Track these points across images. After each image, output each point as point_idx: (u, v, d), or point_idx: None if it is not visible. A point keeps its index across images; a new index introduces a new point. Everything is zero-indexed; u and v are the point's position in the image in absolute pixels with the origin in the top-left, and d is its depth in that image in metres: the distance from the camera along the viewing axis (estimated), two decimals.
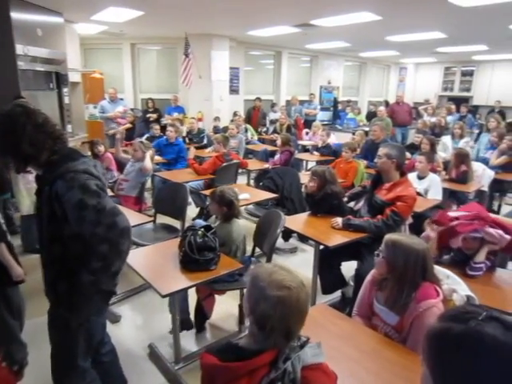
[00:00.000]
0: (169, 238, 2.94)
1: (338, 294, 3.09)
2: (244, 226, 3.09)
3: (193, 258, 2.17)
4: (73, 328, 1.57)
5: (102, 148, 4.69)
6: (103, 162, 4.66)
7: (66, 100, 5.56)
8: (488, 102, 11.27)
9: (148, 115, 7.87)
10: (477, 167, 4.66)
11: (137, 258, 2.42)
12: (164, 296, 1.97)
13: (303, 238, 3.94)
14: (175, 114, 7.96)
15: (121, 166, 4.74)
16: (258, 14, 5.97)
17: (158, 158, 5.45)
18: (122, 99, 7.68)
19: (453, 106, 9.41)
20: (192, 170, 4.55)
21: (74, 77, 6.29)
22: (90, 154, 4.97)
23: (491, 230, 2.17)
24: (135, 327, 2.90)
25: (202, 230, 2.32)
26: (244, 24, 6.86)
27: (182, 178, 4.40)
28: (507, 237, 2.16)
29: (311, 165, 5.88)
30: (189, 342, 2.67)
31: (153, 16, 6.08)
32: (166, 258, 2.37)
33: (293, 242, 4.09)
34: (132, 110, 8.11)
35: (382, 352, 1.53)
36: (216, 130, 7.27)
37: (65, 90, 5.53)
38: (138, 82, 9.09)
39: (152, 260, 2.44)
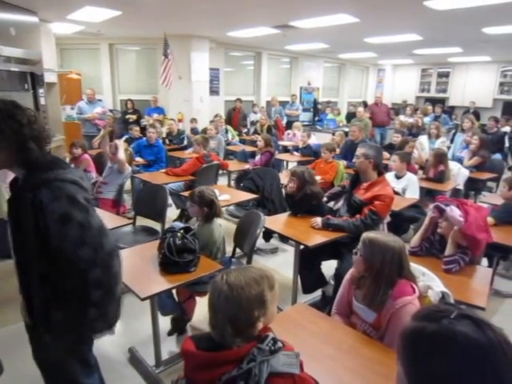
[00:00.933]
0: (149, 241, 2.91)
1: (318, 293, 3.12)
2: (224, 227, 3.08)
3: (172, 260, 2.15)
4: (66, 353, 1.48)
5: (78, 150, 4.59)
6: (81, 163, 4.58)
7: (42, 101, 5.43)
8: (463, 102, 11.57)
9: (127, 116, 7.79)
10: (452, 166, 4.78)
11: None
12: (143, 299, 1.95)
13: (284, 239, 3.96)
14: (155, 115, 7.89)
15: (100, 167, 4.67)
16: (237, 15, 5.98)
17: (138, 160, 5.40)
18: (100, 100, 7.57)
19: (430, 107, 9.65)
20: (172, 174, 4.53)
21: (50, 77, 6.16)
22: (67, 156, 4.89)
23: (453, 207, 2.28)
24: (116, 331, 2.85)
25: (182, 231, 2.30)
26: (223, 25, 6.86)
27: (161, 179, 4.37)
28: (461, 219, 2.28)
29: (292, 165, 5.91)
30: (170, 345, 2.65)
31: (131, 16, 6.01)
32: (146, 260, 2.35)
33: (274, 242, 4.10)
34: (111, 111, 7.99)
35: (359, 349, 1.55)
36: (194, 131, 7.23)
37: (40, 90, 5.40)
38: (116, 82, 8.97)
39: (131, 263, 2.40)
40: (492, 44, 7.70)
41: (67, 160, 4.82)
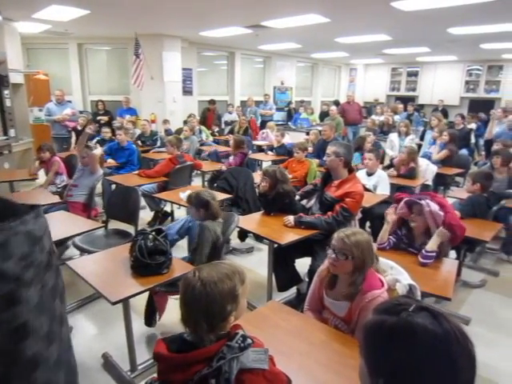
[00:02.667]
0: (122, 244, 2.86)
1: (293, 290, 3.15)
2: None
3: (144, 263, 2.13)
4: None
5: (46, 154, 4.46)
6: (52, 166, 4.45)
7: (8, 103, 5.26)
8: (432, 101, 11.91)
9: (98, 118, 7.63)
10: (421, 162, 4.91)
11: (86, 265, 2.36)
12: (114, 303, 1.91)
13: (259, 238, 3.98)
14: (127, 117, 7.77)
15: (71, 170, 4.57)
16: (208, 15, 5.96)
17: (110, 162, 5.31)
18: (69, 101, 7.39)
19: (400, 106, 9.88)
20: (144, 176, 4.48)
21: (15, 78, 5.97)
22: (36, 159, 4.75)
23: (430, 202, 2.34)
24: (88, 337, 2.79)
25: (153, 233, 2.28)
26: (195, 25, 6.82)
27: (134, 181, 4.31)
28: (441, 213, 2.34)
29: (266, 165, 5.94)
30: (145, 349, 2.62)
31: (99, 15, 5.90)
32: (117, 263, 2.31)
33: (249, 241, 4.11)
34: (81, 112, 7.82)
35: (330, 344, 1.58)
36: (168, 132, 7.15)
37: (6, 92, 5.22)
38: (86, 83, 8.78)
39: (102, 267, 2.36)
40: (457, 44, 7.96)
41: (36, 164, 4.69)
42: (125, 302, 2.11)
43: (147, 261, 2.13)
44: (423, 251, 2.38)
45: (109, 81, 8.95)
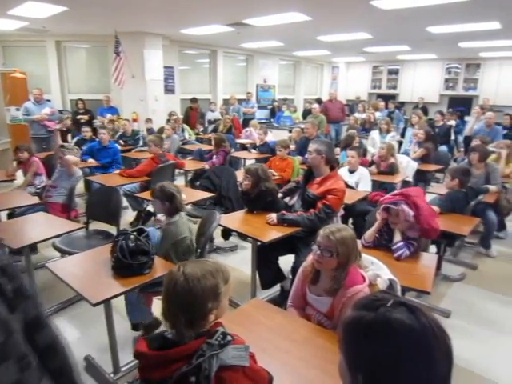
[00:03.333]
0: (104, 245, 2.82)
1: (277, 288, 3.16)
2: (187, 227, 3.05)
3: (125, 263, 2.10)
4: None
5: (24, 154, 4.36)
6: (30, 167, 4.36)
7: None
8: (412, 98, 12.09)
9: (78, 117, 7.50)
10: (402, 159, 5.00)
11: (66, 267, 2.32)
12: (95, 305, 1.89)
13: (243, 236, 3.98)
14: (108, 116, 7.65)
15: (50, 170, 4.47)
16: (189, 13, 5.91)
17: (91, 162, 5.22)
18: (48, 100, 7.22)
19: (381, 103, 10.01)
20: (126, 176, 4.43)
21: None
22: (14, 160, 4.64)
23: (404, 206, 2.40)
24: (69, 340, 2.71)
25: (135, 233, 2.26)
26: (176, 22, 6.76)
27: (115, 181, 4.26)
28: (412, 213, 2.41)
29: (250, 163, 5.94)
30: (128, 350, 2.58)
31: (78, 12, 5.79)
32: (98, 265, 2.28)
33: (233, 240, 4.11)
34: (61, 111, 7.67)
35: (313, 340, 1.59)
36: (150, 131, 7.08)
37: None
38: (65, 82, 8.62)
39: (82, 268, 2.33)
40: (436, 42, 8.10)
41: (14, 165, 4.58)
42: (106, 303, 2.08)
43: (129, 261, 2.10)
44: (392, 247, 2.45)
45: (89, 79, 8.80)
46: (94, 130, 6.42)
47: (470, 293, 3.41)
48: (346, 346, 0.82)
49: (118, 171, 4.69)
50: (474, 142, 4.75)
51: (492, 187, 4.01)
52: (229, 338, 1.13)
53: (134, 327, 2.67)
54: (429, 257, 2.53)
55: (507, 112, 8.09)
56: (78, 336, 2.81)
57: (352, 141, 5.35)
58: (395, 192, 2.61)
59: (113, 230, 3.42)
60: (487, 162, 4.21)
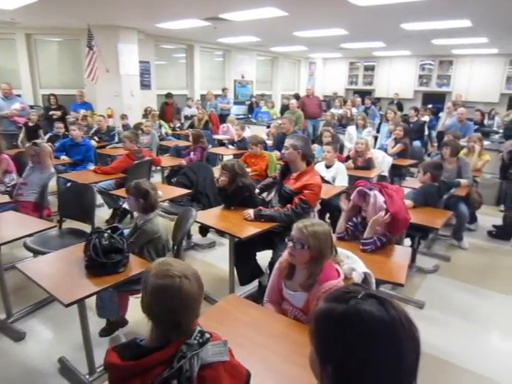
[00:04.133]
0: (77, 244, 2.76)
1: (255, 284, 3.17)
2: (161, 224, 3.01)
3: (99, 262, 2.06)
4: None
5: None
6: (0, 164, 4.20)
7: None
8: (388, 94, 12.29)
9: (51, 113, 7.28)
10: (377, 154, 5.08)
11: (38, 267, 2.26)
12: (67, 305, 1.85)
13: (220, 232, 3.97)
14: (82, 111, 7.46)
15: (21, 168, 4.33)
16: (165, 7, 5.81)
17: (64, 159, 5.08)
18: (18, 95, 7.01)
19: (358, 99, 10.14)
20: (101, 173, 4.34)
21: None
22: None
23: (377, 194, 2.43)
24: (43, 342, 2.68)
25: (109, 231, 2.21)
26: (151, 16, 6.63)
27: (89, 178, 4.17)
28: (384, 206, 2.46)
29: (227, 159, 5.91)
30: (104, 350, 2.53)
31: (48, 4, 5.61)
32: (71, 264, 2.23)
33: (211, 236, 4.09)
34: (31, 107, 7.43)
35: (289, 335, 1.59)
36: (126, 127, 6.94)
37: None
38: (37, 76, 8.33)
39: (55, 268, 2.27)
40: (410, 39, 8.23)
41: None
42: (80, 303, 2.04)
43: (102, 260, 2.06)
44: (361, 240, 2.50)
45: (61, 74, 8.54)
46: (67, 127, 6.25)
47: (444, 284, 3.51)
48: (317, 337, 0.83)
49: (92, 168, 4.58)
50: (447, 138, 4.86)
51: (463, 181, 4.12)
52: (207, 335, 1.13)
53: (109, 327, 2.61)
54: (402, 250, 2.59)
55: (478, 108, 8.36)
56: (52, 337, 2.75)
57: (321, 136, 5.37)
58: (375, 182, 2.66)
59: (88, 228, 3.34)
60: (459, 156, 4.32)
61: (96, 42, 7.17)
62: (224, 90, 10.09)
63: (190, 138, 5.19)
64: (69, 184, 4.22)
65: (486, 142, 5.58)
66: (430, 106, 9.04)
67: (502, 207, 5.49)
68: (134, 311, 2.70)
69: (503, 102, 10.63)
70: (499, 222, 4.67)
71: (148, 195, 2.52)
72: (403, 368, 0.76)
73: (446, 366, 2.45)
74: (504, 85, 10.70)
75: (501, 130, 7.39)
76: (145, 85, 8.81)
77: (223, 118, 8.51)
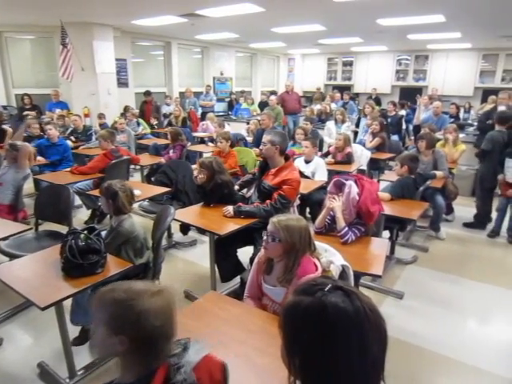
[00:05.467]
0: (54, 246, 2.70)
1: (237, 280, 3.16)
2: (141, 224, 2.98)
3: (75, 264, 2.03)
4: None
5: None
6: None
7: None
8: (366, 89, 12.44)
9: (25, 113, 7.09)
10: (356, 149, 5.14)
11: (13, 271, 2.20)
12: (43, 308, 1.81)
13: (201, 230, 3.96)
14: (57, 111, 7.30)
15: None
16: (139, 3, 5.73)
17: (40, 160, 4.96)
18: None
19: (337, 94, 10.22)
20: (78, 173, 4.27)
21: None
22: None
23: (352, 183, 2.47)
24: (22, 348, 2.62)
25: (85, 232, 2.18)
26: (126, 13, 6.53)
27: (66, 179, 4.08)
28: (356, 197, 2.51)
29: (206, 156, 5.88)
30: (84, 353, 2.50)
31: (19, 0, 5.44)
32: (47, 267, 2.18)
33: (192, 234, 4.07)
34: (4, 108, 7.23)
35: (268, 329, 1.60)
36: (103, 127, 6.81)
37: None
38: (9, 75, 8.10)
39: (30, 271, 2.22)
40: (386, 34, 8.35)
41: None
42: (57, 306, 2.00)
43: (79, 261, 2.03)
44: (338, 234, 2.53)
45: (35, 73, 8.33)
46: (42, 127, 6.10)
47: (422, 274, 3.58)
48: (285, 330, 0.84)
49: (69, 169, 4.49)
50: (423, 131, 4.95)
51: (439, 173, 4.21)
52: (184, 339, 1.10)
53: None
54: (380, 242, 2.63)
55: (453, 101, 8.54)
56: (31, 342, 2.69)
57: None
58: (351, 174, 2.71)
59: (65, 230, 3.27)
60: (435, 149, 4.41)
61: (70, 40, 7.02)
62: (207, 87, 10.03)
63: (169, 136, 5.14)
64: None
65: (461, 135, 5.72)
66: (408, 103, 9.19)
67: None
68: None
69: (477, 95, 10.89)
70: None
71: (116, 196, 2.45)
72: (369, 358, 0.77)
73: (425, 354, 2.51)
74: (478, 79, 10.97)
75: (475, 123, 7.58)
76: (122, 83, 8.68)
77: (205, 115, 8.41)
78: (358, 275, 2.33)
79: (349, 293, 0.81)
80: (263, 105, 9.35)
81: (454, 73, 11.21)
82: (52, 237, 3.24)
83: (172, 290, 1.11)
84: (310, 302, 0.81)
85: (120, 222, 2.47)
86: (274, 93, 10.63)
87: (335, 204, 2.56)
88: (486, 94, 9.36)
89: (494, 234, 4.37)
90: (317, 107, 8.87)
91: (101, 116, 7.20)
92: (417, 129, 7.00)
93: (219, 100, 10.67)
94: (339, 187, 2.60)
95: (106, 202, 2.50)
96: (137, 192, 3.50)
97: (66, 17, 6.66)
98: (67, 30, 6.96)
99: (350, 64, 13.20)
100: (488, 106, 7.31)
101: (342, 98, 10.19)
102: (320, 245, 2.00)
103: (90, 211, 4.59)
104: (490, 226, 4.49)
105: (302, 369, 0.81)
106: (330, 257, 1.92)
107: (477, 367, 2.38)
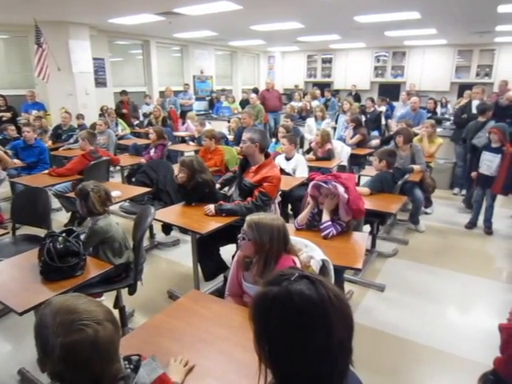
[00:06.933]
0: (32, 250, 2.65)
1: (221, 278, 3.16)
2: (122, 225, 2.95)
3: (54, 267, 2.00)
4: None
5: None
6: None
7: None
8: (346, 86, 12.57)
9: (0, 114, 6.91)
10: (336, 145, 5.18)
11: None
12: (21, 313, 1.78)
13: (183, 229, 3.94)
14: (34, 112, 7.13)
15: None
16: (116, 1, 5.64)
17: (16, 162, 4.85)
18: None
19: (318, 91, 10.29)
20: (56, 175, 4.19)
21: None
22: None
23: (337, 184, 2.51)
24: (1, 355, 2.57)
25: (63, 234, 2.15)
26: (102, 11, 6.41)
27: (44, 181, 4.01)
28: (345, 195, 2.52)
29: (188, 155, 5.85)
30: None
31: None
32: (25, 271, 2.14)
33: (175, 234, 4.05)
34: None
35: (249, 325, 1.59)
36: (82, 128, 6.70)
37: None
38: None
39: (8, 276, 2.17)
40: (364, 31, 8.44)
41: None
42: (36, 310, 1.96)
43: (58, 264, 2.00)
44: (319, 226, 2.56)
45: (9, 73, 8.10)
46: (19, 129, 5.96)
47: (403, 266, 3.65)
48: (254, 320, 0.86)
49: (46, 171, 4.41)
50: (400, 126, 5.04)
51: (416, 167, 4.30)
52: (135, 358, 1.04)
53: None
54: (360, 236, 2.67)
55: (431, 97, 8.71)
56: (11, 349, 2.64)
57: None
58: (327, 174, 2.72)
59: (44, 234, 3.22)
60: (412, 143, 4.50)
61: (45, 39, 6.86)
62: (185, 85, 9.95)
63: (153, 136, 5.07)
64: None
65: (438, 129, 5.84)
66: (387, 99, 9.35)
67: (455, 190, 5.78)
68: None
69: (453, 90, 11.12)
70: (454, 205, 4.93)
71: (87, 197, 2.43)
72: (335, 342, 0.79)
73: (407, 344, 2.56)
74: (453, 74, 11.20)
75: (452, 118, 7.74)
76: (100, 82, 8.54)
77: (185, 114, 8.37)
78: (340, 269, 2.36)
79: (314, 281, 0.83)
80: (244, 103, 9.35)
81: (430, 69, 11.42)
82: (30, 241, 3.18)
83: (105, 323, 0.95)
84: (277, 291, 0.83)
85: (95, 221, 2.45)
86: (255, 90, 10.63)
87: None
88: (462, 88, 9.55)
89: (472, 225, 4.49)
90: (297, 104, 8.90)
91: (79, 116, 7.07)
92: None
93: (200, 99, 10.61)
94: (317, 188, 2.63)
95: (79, 203, 2.49)
96: (116, 193, 3.47)
97: (40, 15, 6.51)
98: (42, 29, 6.79)
99: (330, 61, 13.30)
100: (464, 101, 7.48)
101: (322, 96, 10.26)
102: (300, 240, 2.02)
103: (69, 214, 4.51)
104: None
105: (271, 355, 0.83)
106: (310, 252, 1.95)
107: (456, 355, 2.44)
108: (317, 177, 2.67)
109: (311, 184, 2.59)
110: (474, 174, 4.34)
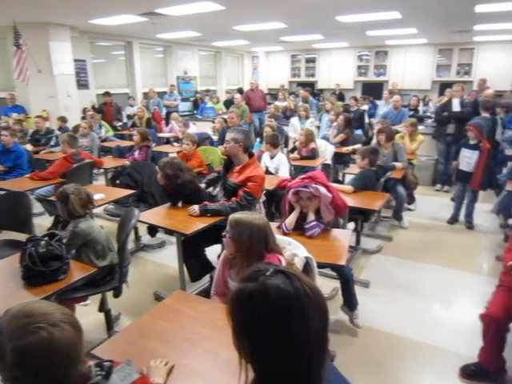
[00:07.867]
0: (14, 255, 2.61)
1: (207, 279, 3.17)
2: (107, 228, 2.92)
3: (36, 271, 1.97)
4: None
5: None
6: None
7: None
8: (330, 85, 12.66)
9: None
10: (320, 143, 5.23)
11: None
12: None
13: (169, 231, 3.92)
14: (14, 115, 7.00)
15: None
16: (97, 1, 5.57)
17: None
18: None
19: (301, 91, 10.32)
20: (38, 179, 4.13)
21: None
22: None
23: (318, 186, 2.53)
24: None
25: (46, 238, 2.12)
26: (83, 12, 6.33)
27: (25, 185, 3.94)
28: (329, 194, 2.54)
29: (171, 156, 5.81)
30: None
31: None
32: (6, 276, 2.11)
33: (160, 236, 4.02)
34: None
35: None
36: (64, 130, 6.60)
37: None
38: None
39: None
40: (346, 31, 8.52)
41: None
42: None
43: (40, 268, 1.98)
44: (304, 225, 2.58)
45: None
46: None
47: (387, 262, 3.71)
48: (232, 316, 0.88)
49: (28, 175, 4.33)
50: (380, 125, 5.10)
51: (398, 164, 4.37)
52: (107, 364, 1.02)
53: None
54: (343, 233, 2.70)
55: (415, 94, 8.84)
56: None
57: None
58: (302, 176, 2.73)
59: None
60: (394, 141, 4.56)
61: (24, 41, 6.74)
62: (171, 86, 9.89)
63: (137, 137, 5.02)
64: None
65: (420, 127, 5.94)
66: (370, 97, 9.46)
67: (437, 187, 5.89)
68: (82, 321, 2.63)
69: (435, 88, 11.32)
70: (436, 200, 5.01)
71: (68, 200, 2.40)
72: (311, 333, 0.82)
73: (392, 338, 2.61)
74: (435, 73, 11.40)
75: (433, 115, 7.88)
76: (82, 84, 8.43)
77: (170, 115, 8.31)
78: (320, 266, 2.38)
79: (289, 275, 0.85)
80: (229, 103, 9.34)
81: (412, 67, 11.59)
82: (11, 246, 3.12)
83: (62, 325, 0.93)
84: (253, 287, 0.84)
85: (77, 223, 2.43)
86: (240, 91, 10.62)
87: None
88: (443, 87, 9.74)
89: (453, 220, 4.58)
90: (282, 104, 8.94)
91: (61, 119, 6.97)
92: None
93: (184, 100, 10.55)
94: (296, 193, 2.64)
95: (60, 206, 2.47)
96: (99, 196, 3.44)
97: (19, 16, 6.39)
98: (21, 31, 6.67)
99: (313, 61, 13.38)
100: (445, 99, 7.62)
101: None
102: (284, 238, 2.04)
103: (53, 218, 4.45)
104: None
105: (250, 349, 0.85)
106: (293, 250, 1.97)
107: (441, 348, 2.50)
108: (292, 183, 2.66)
109: (291, 192, 2.59)
110: (455, 162, 4.39)
